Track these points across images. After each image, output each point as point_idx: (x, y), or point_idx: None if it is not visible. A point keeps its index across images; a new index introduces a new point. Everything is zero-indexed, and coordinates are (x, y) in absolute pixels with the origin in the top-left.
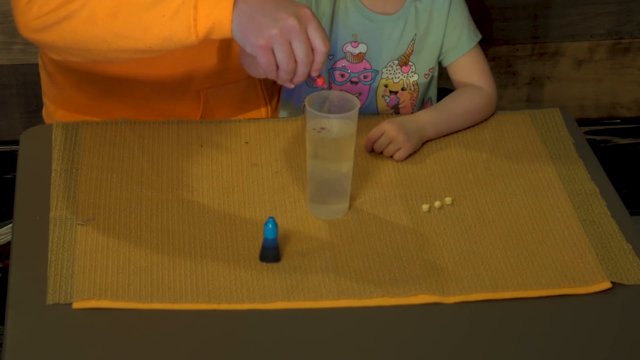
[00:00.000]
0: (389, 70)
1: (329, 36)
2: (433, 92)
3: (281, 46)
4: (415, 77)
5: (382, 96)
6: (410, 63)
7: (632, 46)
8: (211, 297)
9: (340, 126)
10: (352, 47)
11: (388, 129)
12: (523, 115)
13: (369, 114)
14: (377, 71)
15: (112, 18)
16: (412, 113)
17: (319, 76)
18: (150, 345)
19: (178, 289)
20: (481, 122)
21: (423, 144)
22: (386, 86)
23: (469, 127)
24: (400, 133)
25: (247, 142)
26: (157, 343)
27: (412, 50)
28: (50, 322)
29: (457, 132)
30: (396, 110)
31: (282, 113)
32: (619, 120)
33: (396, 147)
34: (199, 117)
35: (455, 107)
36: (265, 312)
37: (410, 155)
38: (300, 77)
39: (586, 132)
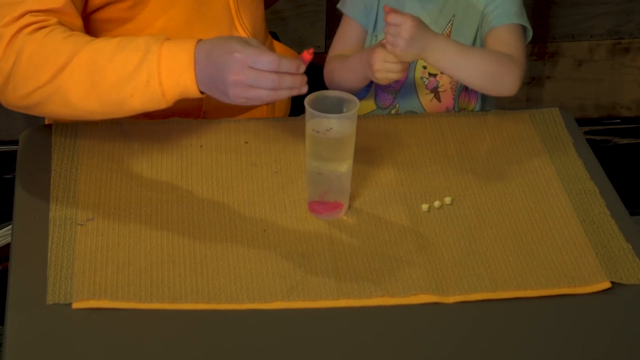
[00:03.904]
0: None
1: (369, 14)
2: None
3: (249, 75)
4: None
5: (421, 77)
6: None
7: (632, 46)
8: (211, 297)
9: (339, 126)
10: None
11: (404, 26)
12: (523, 115)
13: (406, 99)
14: None
15: (85, 100)
16: (453, 97)
17: (303, 52)
18: (150, 346)
19: (178, 289)
20: (493, 86)
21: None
22: (425, 67)
23: (476, 84)
24: (410, 35)
25: (246, 142)
26: (157, 343)
27: (449, 32)
28: (50, 322)
29: (458, 79)
30: (436, 94)
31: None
32: (619, 120)
33: (394, 38)
34: (200, 117)
35: (479, 51)
36: (265, 312)
37: (409, 155)
38: (297, 81)
39: (586, 132)
